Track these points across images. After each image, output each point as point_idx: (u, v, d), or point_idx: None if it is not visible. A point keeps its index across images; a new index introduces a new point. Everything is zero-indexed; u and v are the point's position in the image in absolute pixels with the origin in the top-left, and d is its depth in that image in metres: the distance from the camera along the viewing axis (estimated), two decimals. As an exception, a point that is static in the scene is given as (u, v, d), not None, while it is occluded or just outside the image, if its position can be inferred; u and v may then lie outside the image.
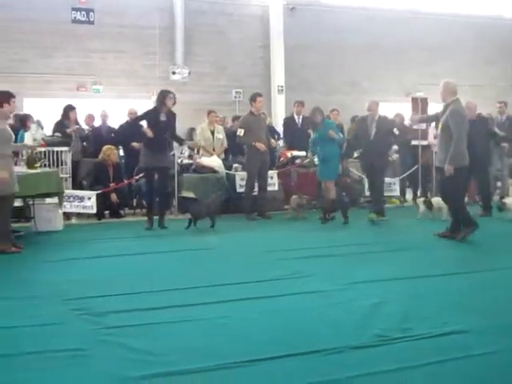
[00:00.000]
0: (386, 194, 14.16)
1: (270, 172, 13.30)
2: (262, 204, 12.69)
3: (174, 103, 11.28)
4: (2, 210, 8.82)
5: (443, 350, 4.64)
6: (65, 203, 11.42)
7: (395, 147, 12.15)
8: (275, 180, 13.36)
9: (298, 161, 14.04)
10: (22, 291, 6.50)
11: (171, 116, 11.21)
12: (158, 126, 10.90)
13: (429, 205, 11.76)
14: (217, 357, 4.46)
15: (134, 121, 11.88)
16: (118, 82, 19.29)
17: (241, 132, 12.54)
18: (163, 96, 11.12)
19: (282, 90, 21.21)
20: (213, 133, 14.08)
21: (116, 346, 4.76)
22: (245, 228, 11.29)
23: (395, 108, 16.96)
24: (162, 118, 11.00)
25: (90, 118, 14.94)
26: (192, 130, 16.50)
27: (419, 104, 14.72)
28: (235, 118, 16.44)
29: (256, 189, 12.79)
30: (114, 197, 12.64)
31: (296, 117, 14.98)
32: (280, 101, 21.13)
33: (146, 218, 11.36)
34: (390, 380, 4.12)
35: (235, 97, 20.72)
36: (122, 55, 19.56)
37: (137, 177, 13.11)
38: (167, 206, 12.21)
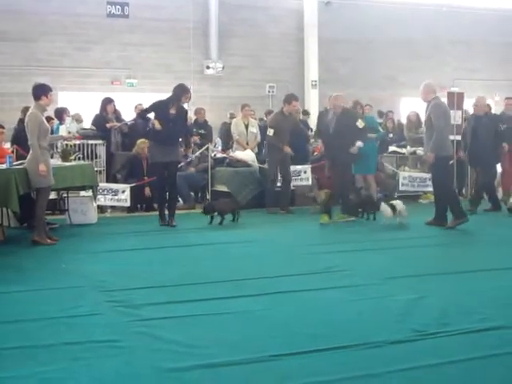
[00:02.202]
0: (419, 189, 14.11)
1: (304, 166, 13.27)
2: (284, 198, 12.66)
3: (189, 100, 11.05)
4: (39, 202, 8.92)
5: (482, 345, 4.59)
6: (99, 196, 11.49)
7: (359, 143, 10.93)
8: (308, 174, 13.29)
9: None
10: (59, 282, 6.54)
11: (182, 112, 10.77)
12: (167, 119, 10.40)
13: (393, 207, 10.57)
14: (255, 349, 4.45)
15: (141, 114, 11.46)
16: (153, 75, 19.38)
17: (270, 132, 12.43)
18: (181, 92, 10.63)
19: (315, 84, 21.15)
20: (247, 127, 14.06)
21: (152, 338, 4.76)
22: (278, 222, 11.23)
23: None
24: (172, 111, 10.49)
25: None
26: (225, 125, 16.48)
27: (455, 99, 14.52)
28: (268, 113, 16.41)
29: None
30: (147, 190, 12.67)
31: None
32: (313, 95, 21.08)
33: (181, 211, 11.36)
34: (428, 375, 4.06)
35: (269, 91, 20.72)
36: (157, 49, 19.64)
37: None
38: (176, 202, 11.54)
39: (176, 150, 10.78)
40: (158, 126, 10.30)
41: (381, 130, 12.76)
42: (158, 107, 10.58)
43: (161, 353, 4.44)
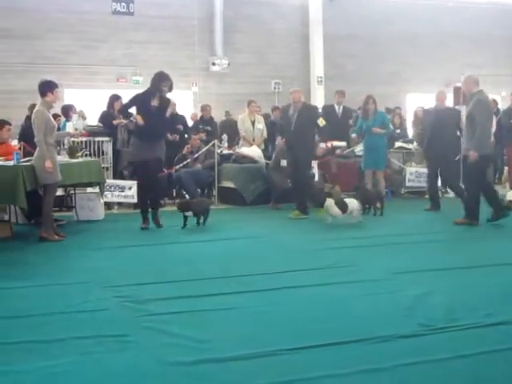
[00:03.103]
0: (425, 184, 14.07)
1: (310, 162, 13.27)
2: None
3: (170, 90, 9.86)
4: (46, 198, 8.95)
5: (490, 340, 4.58)
6: (106, 193, 11.51)
7: (322, 144, 10.92)
8: (315, 170, 13.27)
9: (338, 151, 13.95)
10: (66, 278, 6.54)
11: (165, 102, 9.88)
12: (149, 113, 9.60)
13: (343, 206, 10.09)
14: (262, 344, 4.45)
15: (121, 110, 10.73)
16: (158, 73, 19.36)
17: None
18: (159, 79, 9.74)
19: (321, 80, 21.15)
20: (253, 123, 14.06)
21: (160, 333, 4.76)
22: (283, 218, 11.22)
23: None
24: (154, 103, 9.68)
25: None
26: (223, 122, 16.48)
27: (461, 94, 14.49)
28: (274, 109, 16.40)
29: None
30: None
31: (336, 107, 14.88)
32: (319, 92, 21.07)
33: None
34: (436, 369, 4.05)
35: (274, 88, 20.74)
36: (162, 46, 19.66)
37: (177, 167, 13.18)
38: (159, 202, 10.80)
39: (159, 147, 9.93)
40: (140, 120, 9.59)
41: (391, 126, 12.73)
42: (138, 100, 9.84)
43: (169, 347, 4.44)
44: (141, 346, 4.47)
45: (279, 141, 12.87)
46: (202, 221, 10.01)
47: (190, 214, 9.83)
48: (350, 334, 4.63)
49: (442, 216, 11.32)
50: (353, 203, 10.11)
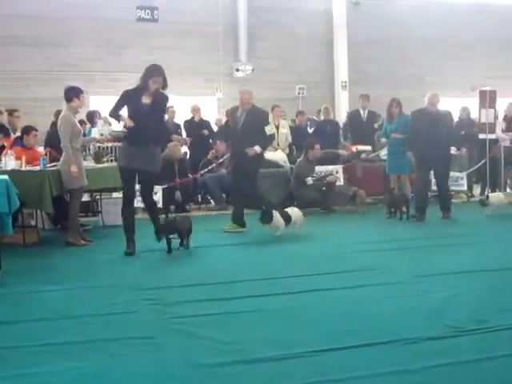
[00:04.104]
0: (452, 188, 13.97)
1: (336, 167, 13.25)
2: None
3: (164, 88, 8.20)
4: (72, 203, 9.01)
5: (520, 342, 4.52)
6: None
7: (257, 147, 9.58)
8: (340, 175, 13.25)
9: (363, 155, 13.90)
10: (93, 282, 6.58)
11: (160, 99, 8.24)
12: (140, 112, 8.06)
13: (287, 217, 9.55)
14: (290, 346, 4.43)
15: (111, 115, 8.54)
16: (182, 78, 19.38)
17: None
18: (147, 73, 8.13)
19: (345, 85, 21.09)
20: (277, 127, 14.05)
21: (187, 335, 4.78)
22: (310, 221, 11.19)
23: (461, 103, 16.64)
24: (145, 100, 8.12)
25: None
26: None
27: (487, 97, 14.40)
28: (298, 114, 16.41)
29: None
30: (177, 194, 12.71)
31: (361, 111, 14.84)
32: (344, 96, 21.01)
33: (212, 212, 11.22)
34: (464, 370, 4.03)
35: (298, 93, 20.69)
36: (186, 52, 19.69)
37: (202, 171, 13.22)
38: (156, 216, 8.53)
39: (150, 155, 8.21)
40: (129, 122, 8.05)
41: None
42: (126, 98, 8.24)
43: (196, 349, 4.44)
44: (168, 348, 4.48)
45: (298, 162, 12.87)
46: (185, 242, 8.44)
47: (174, 235, 8.25)
48: (378, 336, 4.61)
49: (464, 219, 11.21)
50: (296, 213, 9.69)
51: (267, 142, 10.55)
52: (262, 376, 3.96)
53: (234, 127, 10.45)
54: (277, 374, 3.99)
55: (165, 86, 8.16)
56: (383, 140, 13.29)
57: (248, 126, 9.94)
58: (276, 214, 9.33)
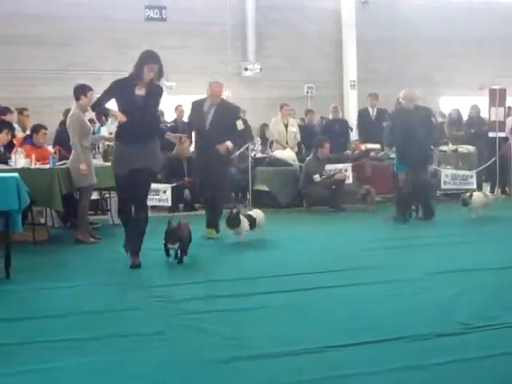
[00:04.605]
0: (461, 187, 13.93)
1: (345, 165, 13.23)
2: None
3: (159, 76, 7.27)
4: (81, 201, 9.04)
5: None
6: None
7: (228, 143, 8.78)
8: (349, 173, 13.23)
9: (372, 153, 13.86)
10: (102, 279, 6.59)
11: (154, 90, 7.29)
12: (134, 105, 7.09)
13: (251, 220, 8.90)
14: (299, 342, 4.44)
15: (95, 106, 7.69)
16: (191, 78, 19.40)
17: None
18: (143, 61, 7.13)
19: (354, 85, 21.06)
20: (286, 126, 14.06)
21: (196, 331, 4.79)
22: (319, 220, 11.21)
23: (469, 101, 16.59)
24: (139, 91, 7.15)
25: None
26: (264, 126, 16.46)
27: (497, 96, 14.35)
28: (307, 112, 16.40)
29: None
30: (186, 193, 12.72)
31: (370, 109, 14.83)
32: (352, 95, 20.99)
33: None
34: (474, 367, 4.03)
35: (307, 92, 20.66)
36: (195, 52, 19.70)
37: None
38: (143, 231, 7.39)
39: (151, 152, 7.26)
40: (121, 117, 7.06)
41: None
42: (117, 90, 7.23)
43: (205, 345, 4.45)
44: (177, 344, 4.50)
45: (307, 160, 12.85)
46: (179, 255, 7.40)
47: (175, 246, 7.31)
48: (386, 333, 4.61)
49: (471, 218, 11.15)
50: (260, 216, 9.10)
51: (239, 138, 9.75)
52: (272, 371, 3.96)
53: (200, 123, 9.25)
54: (286, 369, 3.99)
55: (161, 75, 7.22)
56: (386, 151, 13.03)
57: (218, 121, 9.01)
58: (243, 219, 8.69)
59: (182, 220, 7.61)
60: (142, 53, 7.23)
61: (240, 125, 9.63)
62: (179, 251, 7.30)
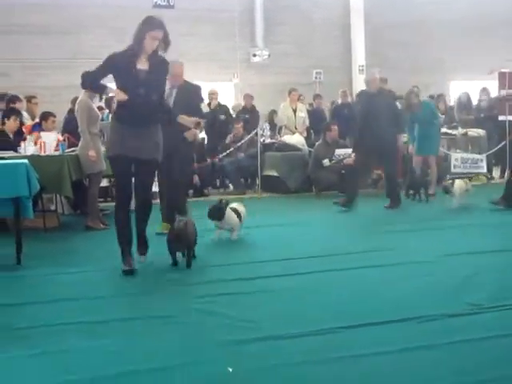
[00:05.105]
0: (471, 170, 13.89)
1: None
2: None
3: (166, 46, 6.14)
4: (91, 187, 9.06)
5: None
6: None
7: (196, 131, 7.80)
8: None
9: (410, 150, 13.76)
10: (112, 264, 6.53)
11: (159, 64, 6.18)
12: (136, 82, 6.02)
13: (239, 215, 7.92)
14: (311, 324, 4.44)
15: (90, 82, 6.36)
16: (199, 65, 19.37)
17: None
18: (144, 28, 6.00)
19: (362, 69, 20.97)
20: (295, 111, 14.05)
21: (208, 314, 4.79)
22: (328, 205, 11.17)
23: (480, 85, 16.49)
24: (141, 65, 6.07)
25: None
26: (273, 112, 16.45)
27: (507, 79, 14.26)
28: (316, 97, 16.38)
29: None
30: (196, 179, 12.73)
31: (379, 94, 14.76)
32: (361, 80, 20.87)
33: (231, 196, 11.05)
34: (487, 346, 4.02)
35: (316, 77, 20.61)
36: (203, 38, 19.65)
37: (220, 156, 13.24)
38: (147, 221, 6.59)
39: (152, 140, 6.24)
40: (121, 95, 6.01)
41: (439, 115, 12.37)
42: (113, 64, 6.11)
43: (217, 327, 4.46)
44: (189, 326, 4.51)
45: (316, 145, 12.81)
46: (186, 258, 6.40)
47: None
48: (398, 314, 4.60)
49: (483, 201, 11.08)
50: (242, 209, 8.05)
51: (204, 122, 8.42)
52: (285, 352, 3.96)
53: None
54: (299, 350, 3.99)
55: (167, 44, 6.11)
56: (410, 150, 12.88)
57: (181, 104, 7.75)
58: (230, 212, 7.73)
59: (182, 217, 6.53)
60: (143, 20, 6.06)
61: (204, 107, 9.14)
62: (187, 256, 6.33)
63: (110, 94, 6.55)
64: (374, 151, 10.22)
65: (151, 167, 6.39)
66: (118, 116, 6.29)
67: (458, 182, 10.15)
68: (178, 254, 6.34)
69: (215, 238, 7.81)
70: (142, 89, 6.02)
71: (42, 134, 9.67)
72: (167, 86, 7.38)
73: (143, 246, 6.59)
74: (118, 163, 6.31)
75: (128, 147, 6.10)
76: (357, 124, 10.76)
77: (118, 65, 6.07)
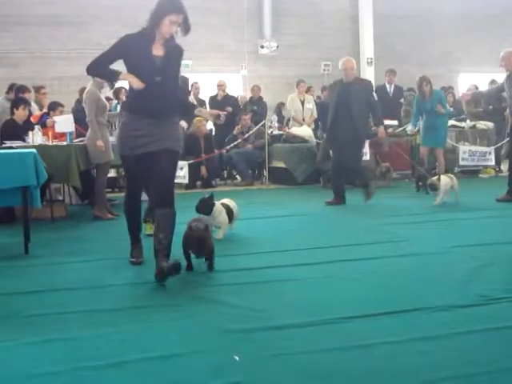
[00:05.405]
0: (479, 163, 13.86)
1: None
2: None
3: (186, 31, 5.55)
4: (99, 177, 9.05)
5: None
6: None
7: (183, 124, 7.33)
8: (367, 149, 13.14)
9: (389, 130, 13.78)
10: (120, 253, 6.54)
11: (175, 50, 5.64)
12: (151, 69, 5.49)
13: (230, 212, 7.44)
14: (320, 313, 4.43)
15: (98, 66, 5.66)
16: (207, 56, 19.35)
17: None
18: (163, 11, 5.44)
19: (371, 62, 20.91)
20: (303, 103, 14.03)
21: (214, 303, 4.77)
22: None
23: (489, 78, 16.42)
24: (157, 51, 5.55)
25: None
26: (281, 105, 16.43)
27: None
28: (324, 89, 16.34)
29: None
30: (203, 170, 12.74)
31: (387, 86, 14.78)
32: (369, 72, 20.82)
33: (239, 188, 11.11)
34: (496, 337, 3.99)
35: (324, 69, 20.53)
36: (211, 30, 19.58)
37: (228, 147, 13.23)
38: (172, 229, 5.63)
39: (170, 130, 5.66)
40: (137, 83, 5.44)
41: (448, 107, 12.31)
42: (127, 47, 5.53)
43: (224, 316, 4.44)
44: (196, 315, 4.48)
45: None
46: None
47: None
48: (407, 304, 4.59)
49: (492, 193, 11.03)
50: (235, 206, 7.60)
51: (191, 115, 7.33)
52: (293, 341, 3.94)
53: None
54: (307, 339, 3.97)
55: (187, 28, 5.55)
56: (409, 128, 13.00)
57: None
58: (220, 210, 7.24)
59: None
60: (159, 1, 5.51)
61: (193, 99, 8.52)
62: (209, 260, 5.75)
63: (122, 79, 5.66)
64: (340, 142, 9.85)
65: (170, 159, 5.65)
66: (131, 106, 5.69)
67: (443, 178, 9.75)
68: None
69: (222, 237, 7.27)
70: (159, 76, 5.48)
71: (56, 118, 9.72)
72: None
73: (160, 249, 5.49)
74: (130, 162, 5.78)
75: (142, 144, 5.55)
76: (329, 115, 10.22)
77: (132, 48, 5.48)
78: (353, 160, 9.96)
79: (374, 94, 10.25)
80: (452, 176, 10.10)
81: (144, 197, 6.33)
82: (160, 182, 5.55)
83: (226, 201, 7.49)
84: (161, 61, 5.52)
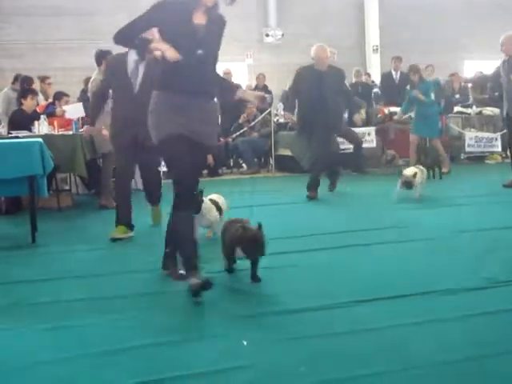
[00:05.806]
0: (486, 149, 13.81)
1: (368, 129, 13.16)
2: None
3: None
4: (105, 166, 9.05)
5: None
6: (163, 162, 11.51)
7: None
8: (373, 137, 13.15)
9: (395, 117, 13.74)
10: (129, 242, 6.59)
11: (218, 20, 4.76)
12: (192, 39, 4.54)
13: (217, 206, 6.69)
14: (325, 298, 4.43)
15: (129, 33, 4.66)
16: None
17: None
18: None
19: (376, 49, 20.86)
20: (307, 91, 13.97)
21: (224, 289, 4.78)
22: (343, 183, 11.15)
23: (495, 65, 16.34)
24: (198, 19, 4.61)
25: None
26: (287, 93, 16.36)
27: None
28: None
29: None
30: (210, 159, 12.70)
31: (393, 73, 14.76)
32: (375, 60, 20.80)
33: (245, 176, 11.01)
34: (503, 319, 4.01)
35: (329, 58, 20.46)
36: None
37: (233, 135, 13.22)
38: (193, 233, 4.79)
39: (212, 118, 4.92)
40: (172, 53, 4.42)
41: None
42: (165, 14, 4.54)
43: (234, 302, 4.49)
44: (204, 301, 4.46)
45: None
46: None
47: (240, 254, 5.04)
48: (414, 288, 4.60)
49: (498, 179, 10.98)
50: (223, 201, 6.91)
51: (233, 95, 5.86)
52: (303, 324, 3.95)
53: (124, 87, 6.75)
54: (317, 322, 3.99)
55: None
56: (396, 117, 13.00)
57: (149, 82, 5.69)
58: (210, 206, 6.55)
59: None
60: None
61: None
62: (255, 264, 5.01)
63: (153, 49, 4.56)
64: (313, 131, 9.47)
65: (205, 156, 5.27)
66: (166, 83, 4.61)
67: (418, 174, 9.01)
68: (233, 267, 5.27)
69: (211, 235, 6.73)
70: (201, 49, 4.56)
71: (66, 107, 9.74)
72: (131, 59, 6.61)
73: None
74: (169, 146, 4.60)
75: (181, 123, 4.56)
76: (298, 106, 9.84)
77: (170, 15, 4.54)
78: (319, 146, 9.53)
79: (346, 83, 10.12)
80: (420, 167, 9.53)
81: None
82: (191, 180, 4.83)
83: (214, 197, 6.79)
84: (203, 30, 4.59)
